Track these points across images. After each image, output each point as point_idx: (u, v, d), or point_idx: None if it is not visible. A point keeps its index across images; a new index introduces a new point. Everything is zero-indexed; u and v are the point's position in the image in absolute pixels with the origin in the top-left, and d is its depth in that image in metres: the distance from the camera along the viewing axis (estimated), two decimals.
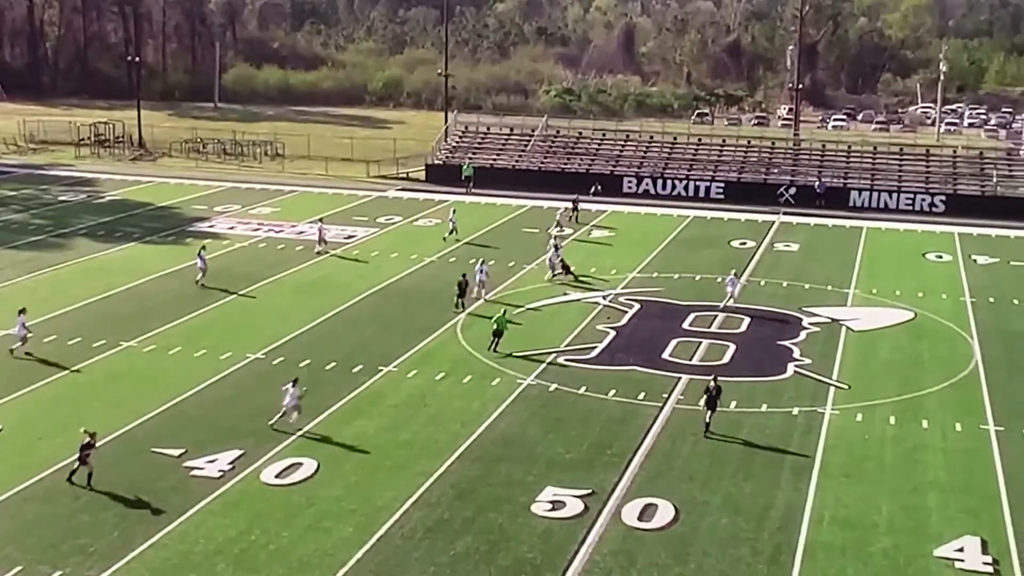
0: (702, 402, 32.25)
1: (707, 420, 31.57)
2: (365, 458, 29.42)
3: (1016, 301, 46.67)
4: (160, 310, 42.54)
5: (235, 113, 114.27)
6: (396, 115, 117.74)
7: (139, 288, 46.22)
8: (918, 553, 24.91)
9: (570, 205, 62.34)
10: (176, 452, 29.28)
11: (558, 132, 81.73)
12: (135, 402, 32.82)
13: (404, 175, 77.65)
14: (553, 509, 26.53)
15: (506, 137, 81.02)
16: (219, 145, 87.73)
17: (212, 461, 28.78)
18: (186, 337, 39.37)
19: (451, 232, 56.54)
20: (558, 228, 58.92)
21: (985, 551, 25.00)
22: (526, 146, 78.94)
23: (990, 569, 24.30)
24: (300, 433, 30.75)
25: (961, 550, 25.03)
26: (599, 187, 69.75)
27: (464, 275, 44.06)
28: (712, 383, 31.96)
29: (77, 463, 27.07)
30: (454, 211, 59.01)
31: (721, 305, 44.54)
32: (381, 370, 36.26)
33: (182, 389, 34.06)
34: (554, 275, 48.11)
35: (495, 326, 38.85)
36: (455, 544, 24.84)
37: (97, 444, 27.30)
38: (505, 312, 40.36)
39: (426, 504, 26.73)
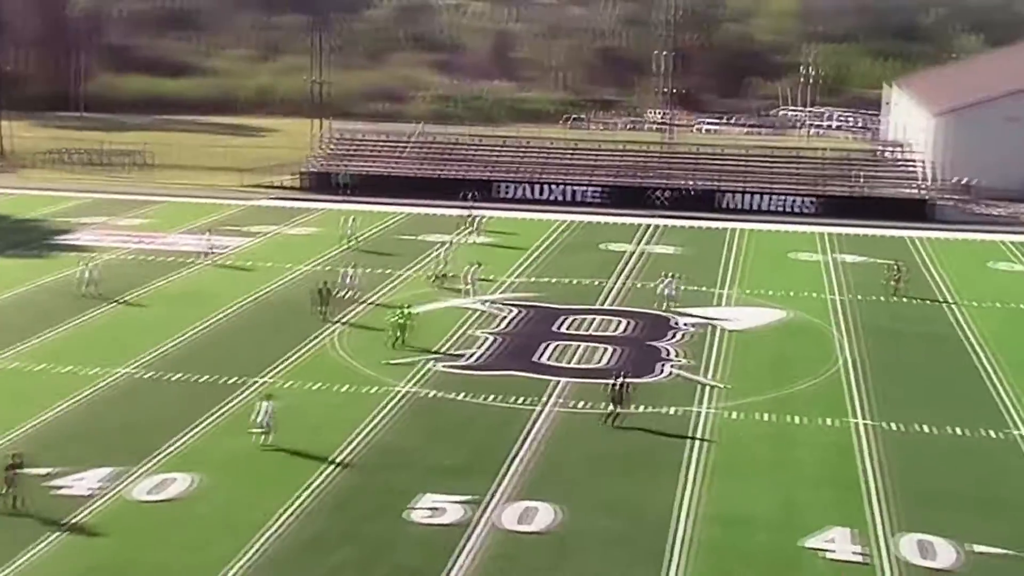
0: (608, 398, 33.00)
1: (613, 413, 32.58)
2: (241, 471, 29.05)
3: (882, 299, 48.43)
4: (24, 326, 41.26)
5: (101, 122, 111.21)
6: (269, 123, 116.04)
7: (1, 304, 44.76)
8: (792, 546, 25.67)
9: (468, 214, 62.72)
10: (43, 472, 28.44)
11: (434, 138, 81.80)
12: None
13: (278, 183, 76.76)
14: (432, 516, 26.61)
15: (382, 144, 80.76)
16: (84, 155, 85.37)
17: (81, 480, 28.08)
18: (52, 353, 38.28)
19: (350, 239, 56.56)
20: (471, 232, 59.80)
21: (855, 541, 25.91)
22: (402, 153, 78.82)
23: (860, 559, 25.21)
24: (174, 448, 30.25)
25: (832, 541, 25.89)
26: (475, 193, 70.10)
27: (325, 282, 43.99)
28: (618, 378, 32.88)
29: (6, 488, 26.19)
30: (353, 219, 58.75)
31: (663, 307, 45.40)
32: (257, 381, 35.83)
33: (49, 407, 33.11)
34: (442, 281, 48.39)
35: (398, 320, 39.47)
36: (334, 555, 24.72)
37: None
38: (408, 307, 40.59)
39: (304, 516, 26.53)
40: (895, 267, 49.78)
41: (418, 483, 28.34)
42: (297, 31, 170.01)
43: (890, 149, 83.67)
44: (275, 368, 37.16)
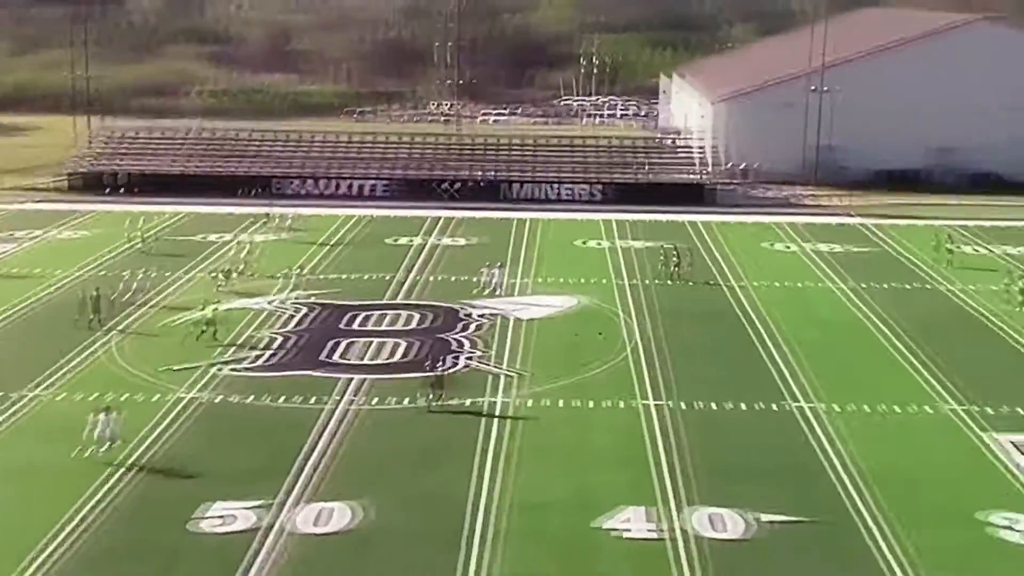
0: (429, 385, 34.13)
1: (436, 396, 33.70)
2: (13, 490, 27.69)
3: (668, 282, 50.30)
4: None
5: None
6: (28, 120, 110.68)
7: None
8: (588, 528, 26.37)
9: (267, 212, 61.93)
10: None
11: (213, 134, 79.85)
12: None
13: (42, 185, 73.23)
14: (223, 524, 26.04)
15: (156, 141, 78.25)
16: None
17: None
18: None
19: (137, 241, 55.32)
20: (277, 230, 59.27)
21: (649, 519, 26.85)
22: (178, 150, 76.61)
23: (655, 535, 26.14)
24: None
25: (627, 520, 26.73)
26: (258, 190, 68.90)
27: (97, 288, 42.63)
28: (435, 364, 34.75)
29: None
30: (142, 220, 57.04)
31: (488, 295, 46.65)
32: (26, 396, 34.21)
33: None
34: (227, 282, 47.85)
35: (206, 316, 39.79)
36: (120, 570, 23.91)
37: None
38: (218, 302, 40.51)
39: (87, 533, 25.51)
40: (673, 251, 51.82)
41: (206, 491, 27.67)
42: (58, 23, 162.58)
43: (671, 136, 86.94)
44: (47, 381, 35.56)
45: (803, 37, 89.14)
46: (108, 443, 29.53)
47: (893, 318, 44.62)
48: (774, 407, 34.67)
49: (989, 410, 34.38)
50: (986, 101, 78.99)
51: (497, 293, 47.04)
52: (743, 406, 34.65)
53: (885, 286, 50.23)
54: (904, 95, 79.21)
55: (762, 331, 42.85)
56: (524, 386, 36.12)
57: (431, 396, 33.83)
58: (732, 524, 26.55)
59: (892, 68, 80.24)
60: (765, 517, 26.82)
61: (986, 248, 58.60)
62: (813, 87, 77.43)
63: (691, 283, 50.10)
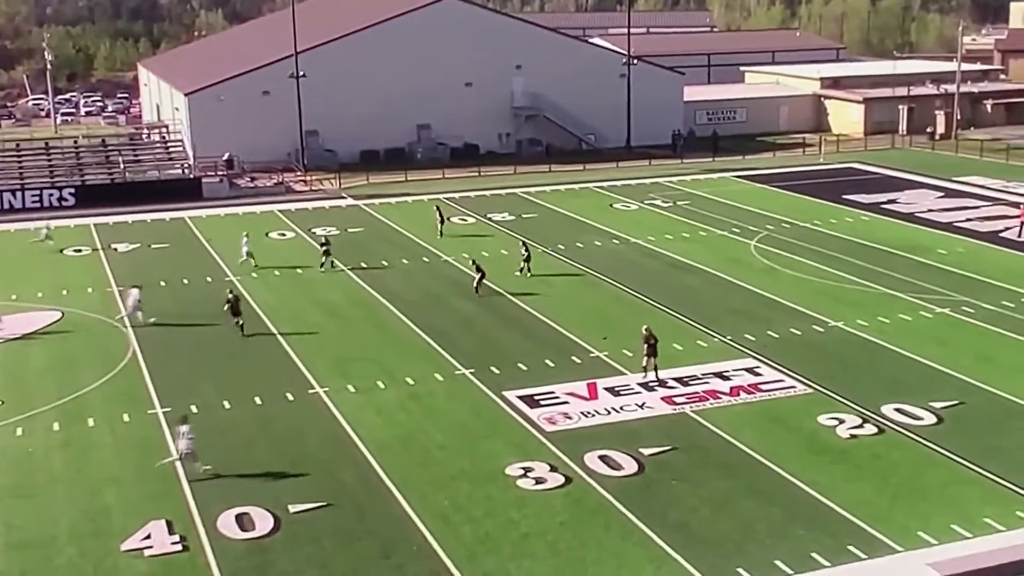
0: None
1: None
2: None
3: (163, 283, 48.77)
4: None
5: None
6: None
7: None
8: (106, 553, 25.14)
9: None
10: None
11: None
12: None
13: None
14: None
15: None
16: None
17: None
18: None
19: None
20: None
21: (172, 531, 26.04)
22: None
23: (179, 547, 25.39)
24: None
25: (148, 537, 25.79)
26: None
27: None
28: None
29: None
30: None
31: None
32: None
33: None
34: None
35: None
36: None
37: None
38: None
39: None
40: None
41: None
42: None
43: (149, 131, 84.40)
44: None
45: (274, 23, 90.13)
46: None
47: (397, 294, 46.41)
48: (291, 396, 34.80)
49: (495, 370, 36.80)
50: (452, 77, 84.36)
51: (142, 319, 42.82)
52: (259, 400, 34.48)
53: (386, 263, 52.06)
54: (379, 75, 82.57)
55: (271, 322, 42.78)
56: (7, 415, 33.45)
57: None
58: (261, 521, 26.40)
59: (366, 49, 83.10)
60: (294, 508, 26.93)
61: (475, 217, 62.52)
62: (290, 73, 78.26)
63: (187, 281, 48.86)
